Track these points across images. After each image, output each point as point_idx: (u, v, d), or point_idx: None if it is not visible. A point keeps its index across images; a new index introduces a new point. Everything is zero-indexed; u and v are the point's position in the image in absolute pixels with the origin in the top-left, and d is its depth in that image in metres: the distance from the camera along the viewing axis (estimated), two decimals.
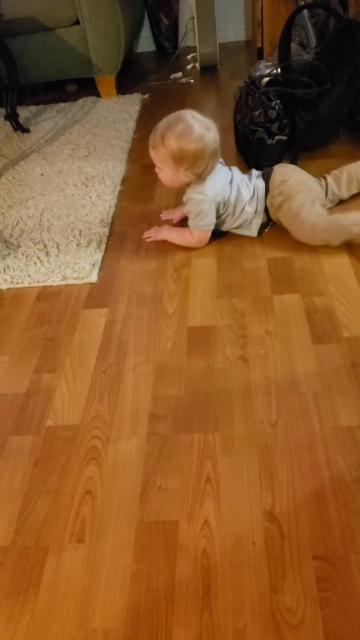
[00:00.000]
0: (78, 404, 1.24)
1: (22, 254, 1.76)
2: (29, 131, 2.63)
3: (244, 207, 1.65)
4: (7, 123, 2.66)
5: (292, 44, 2.30)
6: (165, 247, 1.71)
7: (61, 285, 1.64)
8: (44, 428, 1.19)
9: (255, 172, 1.70)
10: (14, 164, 2.35)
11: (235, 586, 0.88)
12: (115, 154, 2.31)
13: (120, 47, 2.72)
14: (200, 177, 1.58)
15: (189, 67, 3.09)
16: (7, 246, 1.81)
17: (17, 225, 1.92)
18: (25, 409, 1.25)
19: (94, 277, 1.64)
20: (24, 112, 2.77)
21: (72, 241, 1.80)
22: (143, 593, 0.89)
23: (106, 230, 1.84)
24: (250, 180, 1.67)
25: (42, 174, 2.24)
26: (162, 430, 1.14)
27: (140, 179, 2.11)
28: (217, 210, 1.64)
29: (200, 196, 1.59)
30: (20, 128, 2.63)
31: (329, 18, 2.44)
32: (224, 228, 1.71)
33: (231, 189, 1.63)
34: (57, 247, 1.78)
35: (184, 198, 1.65)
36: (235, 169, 1.69)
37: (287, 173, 1.65)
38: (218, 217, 1.65)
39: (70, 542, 0.97)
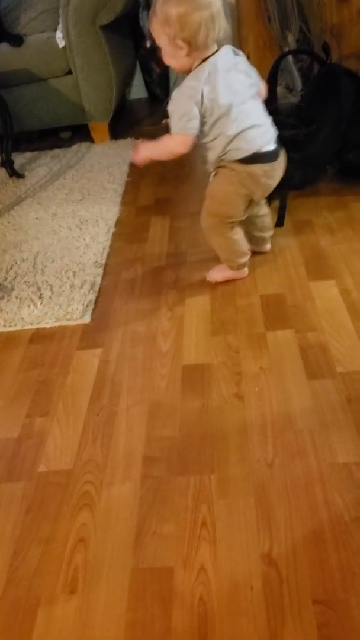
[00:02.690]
0: (71, 448, 1.22)
1: (16, 297, 1.77)
2: (24, 177, 2.67)
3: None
4: (3, 169, 2.70)
5: (279, 87, 2.35)
6: (159, 286, 1.72)
7: (55, 326, 1.63)
8: (36, 474, 1.17)
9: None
10: (8, 209, 2.38)
11: (234, 635, 0.84)
12: (109, 197, 2.34)
13: (112, 95, 2.79)
14: (198, 50, 1.35)
15: None
16: (0, 289, 1.81)
17: (11, 268, 1.93)
18: (17, 454, 1.23)
19: (87, 318, 1.64)
20: (19, 159, 2.81)
21: (65, 283, 1.80)
22: None
23: (100, 271, 1.85)
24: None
25: (36, 218, 2.27)
26: (157, 473, 1.12)
27: (133, 221, 2.13)
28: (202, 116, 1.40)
29: (192, 83, 1.37)
30: (15, 174, 2.67)
31: (313, 62, 2.51)
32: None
33: (237, 108, 1.40)
34: (51, 289, 1.78)
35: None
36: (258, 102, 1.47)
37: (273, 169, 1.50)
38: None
39: (63, 592, 0.94)
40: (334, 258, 1.70)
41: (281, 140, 1.96)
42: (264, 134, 1.46)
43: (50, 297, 1.74)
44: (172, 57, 1.39)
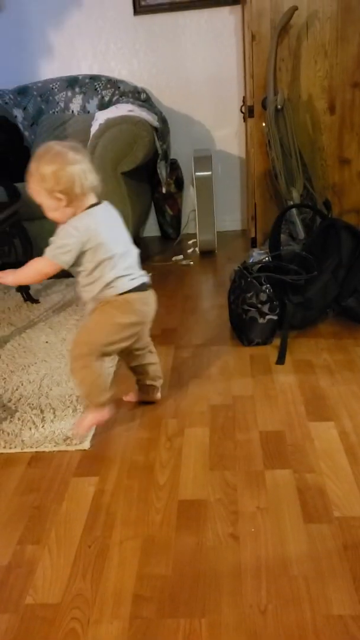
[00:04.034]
0: (60, 580, 1.19)
1: (18, 419, 1.79)
2: (38, 302, 2.80)
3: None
4: (18, 294, 2.84)
5: (282, 236, 2.54)
6: (160, 415, 1.75)
7: (53, 451, 1.64)
8: (22, 606, 1.13)
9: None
10: (20, 332, 2.46)
11: None
12: None
13: (129, 232, 2.99)
14: (77, 199, 1.51)
15: (189, 251, 3.38)
16: (4, 410, 1.84)
17: (16, 390, 1.98)
18: (6, 583, 1.19)
19: (86, 444, 1.65)
20: (34, 285, 2.96)
21: (68, 407, 1.83)
22: None
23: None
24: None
25: (46, 342, 2.34)
26: (146, 614, 1.08)
27: None
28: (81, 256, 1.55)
29: (71, 229, 1.52)
30: (30, 299, 2.80)
31: (315, 215, 2.72)
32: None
33: (106, 255, 1.54)
34: (54, 413, 1.81)
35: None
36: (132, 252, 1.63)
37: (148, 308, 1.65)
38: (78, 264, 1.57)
39: None
40: (333, 399, 1.74)
41: (283, 284, 2.09)
42: (136, 280, 1.62)
43: (52, 421, 1.77)
44: (55, 210, 1.54)
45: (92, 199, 1.57)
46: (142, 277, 1.65)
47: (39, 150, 1.54)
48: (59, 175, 1.48)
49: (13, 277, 1.66)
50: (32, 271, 1.61)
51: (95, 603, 1.12)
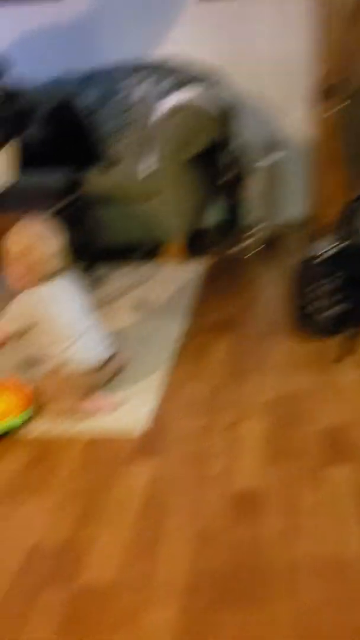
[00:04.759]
0: (114, 562, 1.20)
1: None
2: (99, 288, 2.83)
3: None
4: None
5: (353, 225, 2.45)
6: (217, 405, 1.73)
7: (111, 435, 1.65)
8: (77, 584, 1.15)
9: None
10: None
11: None
12: (176, 314, 2.43)
13: (191, 220, 2.98)
14: (32, 276, 1.71)
15: (252, 240, 3.32)
16: None
17: None
18: (61, 560, 1.21)
19: (142, 430, 1.65)
20: (95, 272, 2.98)
21: (125, 392, 1.84)
22: None
23: (159, 384, 1.88)
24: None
25: None
26: (200, 604, 1.07)
27: (197, 339, 2.18)
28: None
29: (21, 299, 1.72)
30: (91, 284, 2.83)
31: None
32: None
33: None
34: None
35: None
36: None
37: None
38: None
39: None
40: None
41: (352, 275, 2.00)
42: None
43: None
44: (13, 275, 1.72)
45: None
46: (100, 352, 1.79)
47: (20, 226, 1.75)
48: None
49: None
50: None
51: (149, 588, 1.12)
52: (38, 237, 1.71)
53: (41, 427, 1.70)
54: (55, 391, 1.73)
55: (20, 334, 1.73)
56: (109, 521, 1.31)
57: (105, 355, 1.79)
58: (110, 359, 1.80)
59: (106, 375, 1.81)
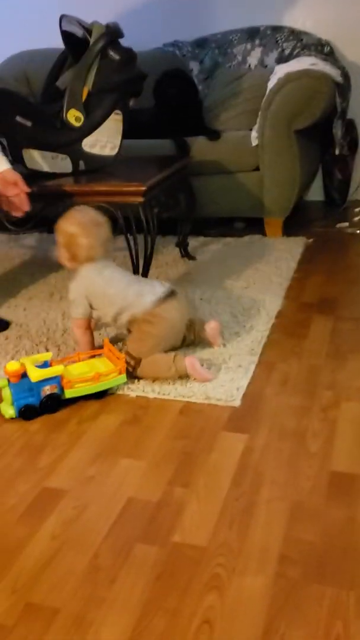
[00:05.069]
0: (207, 526, 1.22)
1: None
2: (195, 259, 2.84)
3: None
4: (177, 249, 2.89)
5: None
6: (314, 384, 1.71)
7: (204, 403, 1.68)
8: (170, 542, 1.18)
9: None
10: (176, 286, 2.52)
11: None
12: (274, 289, 2.41)
13: (293, 194, 2.92)
14: (74, 266, 1.84)
15: (356, 219, 3.21)
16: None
17: None
18: (155, 518, 1.25)
19: (237, 402, 1.67)
20: (193, 242, 2.99)
21: (221, 363, 1.86)
22: None
23: (255, 358, 1.88)
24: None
25: (200, 299, 2.37)
26: (292, 575, 1.08)
27: (295, 316, 2.17)
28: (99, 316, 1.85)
29: (71, 288, 1.84)
30: (187, 255, 2.84)
31: None
32: None
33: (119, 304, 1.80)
34: (206, 367, 1.83)
35: None
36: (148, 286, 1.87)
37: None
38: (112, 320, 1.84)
39: None
40: None
41: None
42: (148, 296, 1.81)
43: None
44: (62, 259, 1.86)
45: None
46: (155, 291, 1.83)
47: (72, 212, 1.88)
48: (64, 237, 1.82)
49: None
50: (77, 335, 1.89)
51: (240, 554, 1.14)
52: (83, 227, 1.81)
53: (140, 389, 1.76)
54: (144, 354, 1.79)
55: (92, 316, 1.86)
56: (203, 485, 1.34)
57: (162, 291, 1.83)
58: (170, 294, 1.84)
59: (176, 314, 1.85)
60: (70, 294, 1.84)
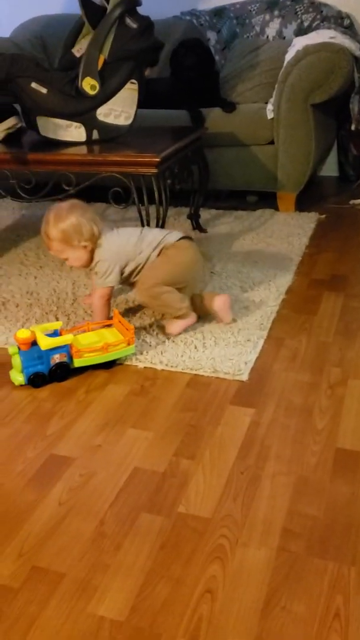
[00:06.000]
0: (211, 498, 1.24)
1: (181, 341, 1.85)
2: (206, 232, 2.82)
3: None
4: (188, 221, 2.87)
5: None
6: (322, 361, 1.71)
7: (212, 376, 1.68)
8: (175, 513, 1.20)
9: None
10: None
11: None
12: (285, 264, 2.39)
13: (307, 169, 2.88)
14: (94, 243, 1.81)
15: None
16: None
17: None
18: (161, 488, 1.27)
19: (244, 376, 1.67)
20: (204, 214, 2.97)
21: (229, 337, 1.86)
22: None
23: (264, 333, 1.88)
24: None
25: (212, 272, 2.37)
26: (295, 549, 1.10)
27: (305, 292, 2.16)
28: (124, 271, 1.86)
29: (100, 260, 1.83)
30: (198, 227, 2.82)
31: None
32: None
33: (141, 249, 1.86)
34: (214, 340, 1.84)
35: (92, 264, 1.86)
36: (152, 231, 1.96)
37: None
38: (129, 275, 1.88)
39: (184, 637, 0.94)
40: None
41: None
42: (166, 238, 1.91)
43: (212, 347, 1.80)
44: (79, 259, 1.84)
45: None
46: (176, 233, 1.95)
47: (48, 215, 1.81)
48: (78, 228, 1.77)
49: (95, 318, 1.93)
50: (95, 298, 1.89)
51: (244, 526, 1.15)
52: (72, 212, 1.79)
53: (147, 360, 1.76)
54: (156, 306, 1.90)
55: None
56: (209, 458, 1.36)
57: (181, 235, 1.93)
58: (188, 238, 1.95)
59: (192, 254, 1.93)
60: (100, 267, 1.83)
